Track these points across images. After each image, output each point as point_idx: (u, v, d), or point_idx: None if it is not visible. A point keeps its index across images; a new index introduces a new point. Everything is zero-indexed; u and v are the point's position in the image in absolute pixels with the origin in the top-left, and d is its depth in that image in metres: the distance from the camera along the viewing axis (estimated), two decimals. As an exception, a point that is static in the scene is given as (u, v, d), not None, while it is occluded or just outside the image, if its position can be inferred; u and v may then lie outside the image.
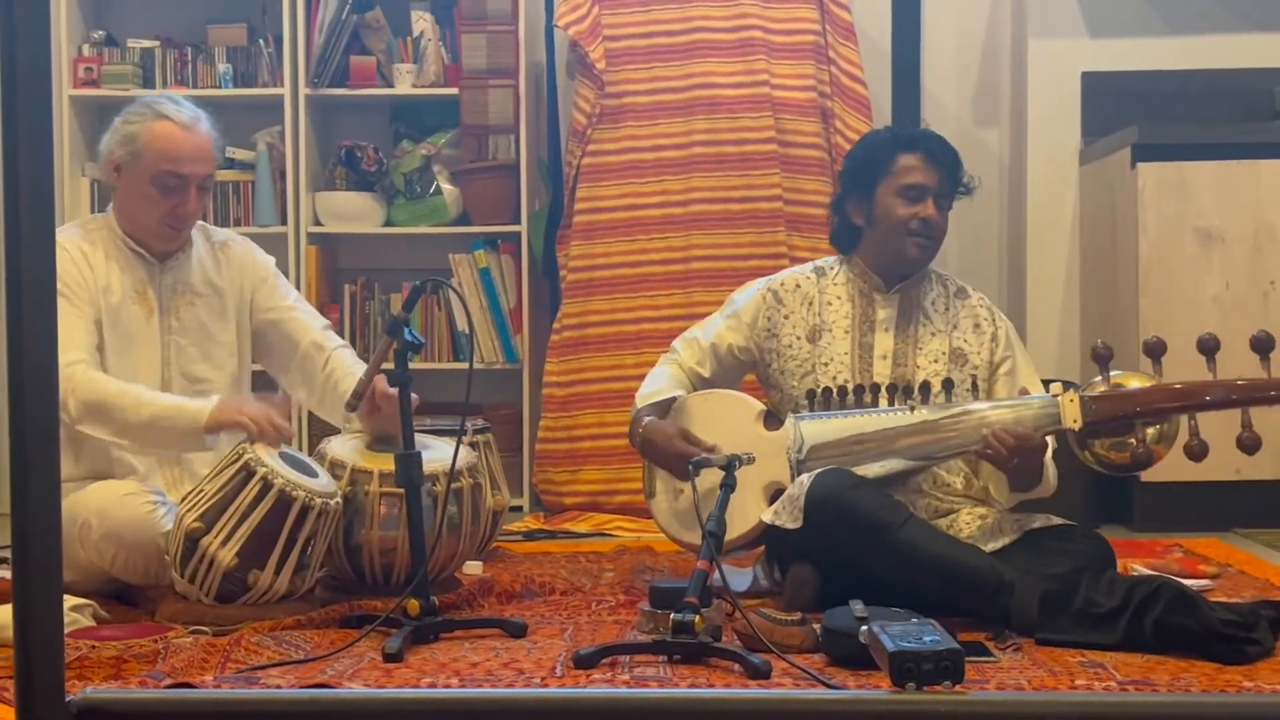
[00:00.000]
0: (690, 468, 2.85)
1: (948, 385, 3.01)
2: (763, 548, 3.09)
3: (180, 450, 3.10)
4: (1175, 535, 3.89)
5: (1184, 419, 2.80)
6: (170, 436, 2.99)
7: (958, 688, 2.11)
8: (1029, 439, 2.80)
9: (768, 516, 2.95)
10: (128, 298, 3.11)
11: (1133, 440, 2.81)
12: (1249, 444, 2.76)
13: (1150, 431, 2.82)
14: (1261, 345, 2.75)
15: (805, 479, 2.88)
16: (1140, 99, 4.64)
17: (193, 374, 3.16)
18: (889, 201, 3.07)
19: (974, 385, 3.05)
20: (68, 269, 3.03)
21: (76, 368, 2.95)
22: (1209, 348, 2.77)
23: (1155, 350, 2.80)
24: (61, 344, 2.93)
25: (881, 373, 3.07)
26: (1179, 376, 2.81)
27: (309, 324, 3.31)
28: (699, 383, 3.20)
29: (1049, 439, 2.88)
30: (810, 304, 3.14)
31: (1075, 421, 2.81)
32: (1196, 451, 2.77)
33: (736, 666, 2.40)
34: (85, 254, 3.09)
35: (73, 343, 2.95)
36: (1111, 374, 2.85)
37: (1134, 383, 2.84)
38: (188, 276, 3.20)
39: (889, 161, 3.08)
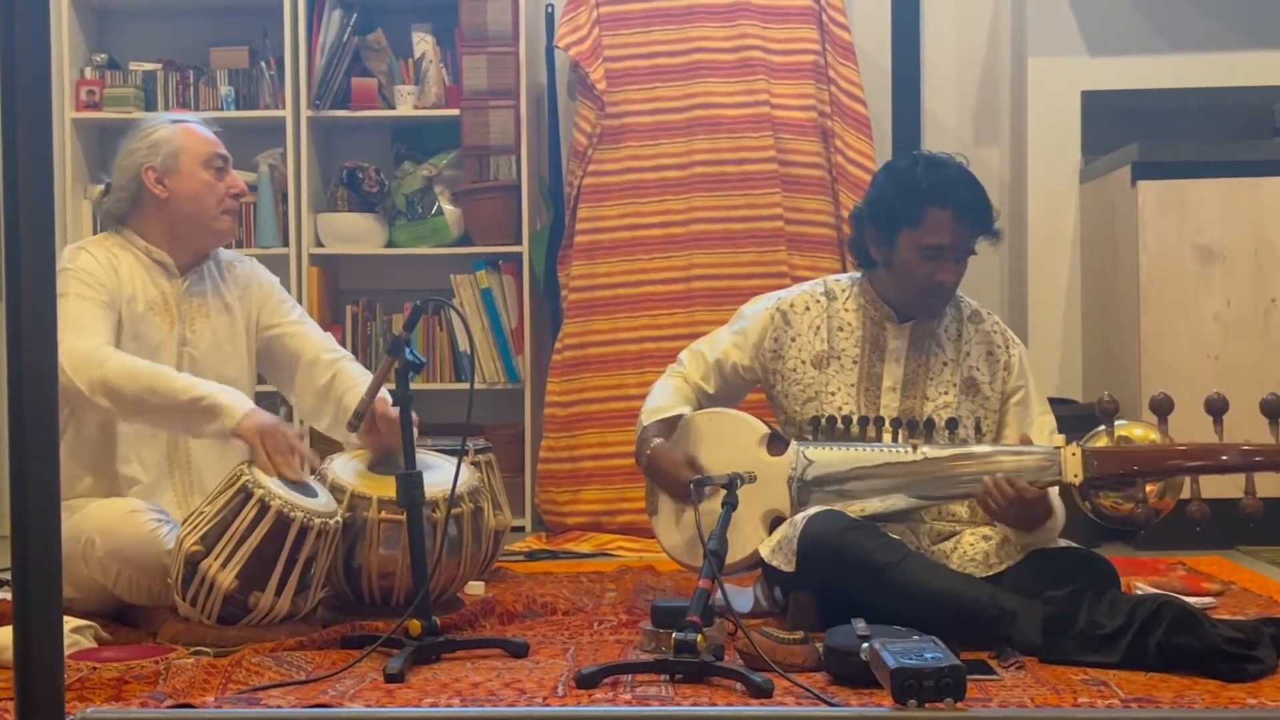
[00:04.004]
0: (691, 486, 2.85)
1: (951, 424, 2.98)
2: (760, 570, 3.08)
3: (188, 431, 3.07)
4: (1178, 554, 3.88)
5: (1187, 478, 2.75)
6: (193, 419, 2.96)
7: (959, 705, 2.10)
8: (1026, 494, 2.78)
9: (764, 552, 2.93)
10: (151, 308, 3.13)
11: (1135, 496, 2.77)
12: (1251, 510, 2.70)
13: (1152, 489, 2.77)
14: (1272, 409, 2.68)
15: (799, 520, 2.86)
16: (1140, 117, 4.65)
17: None
18: (909, 256, 2.97)
19: (978, 426, 3.00)
20: (94, 270, 3.06)
21: (106, 349, 2.96)
22: (1217, 409, 2.70)
23: (1162, 408, 2.75)
24: (86, 330, 2.97)
25: (889, 405, 3.03)
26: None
27: (313, 338, 3.31)
28: (703, 398, 3.19)
29: (1049, 490, 2.84)
30: (818, 330, 3.10)
31: (1076, 476, 2.77)
32: (1197, 516, 2.71)
33: (739, 685, 2.39)
34: (113, 263, 3.11)
35: (97, 330, 2.98)
36: (1117, 424, 2.81)
37: (1138, 436, 2.79)
38: (204, 291, 3.22)
39: (917, 213, 2.95)
